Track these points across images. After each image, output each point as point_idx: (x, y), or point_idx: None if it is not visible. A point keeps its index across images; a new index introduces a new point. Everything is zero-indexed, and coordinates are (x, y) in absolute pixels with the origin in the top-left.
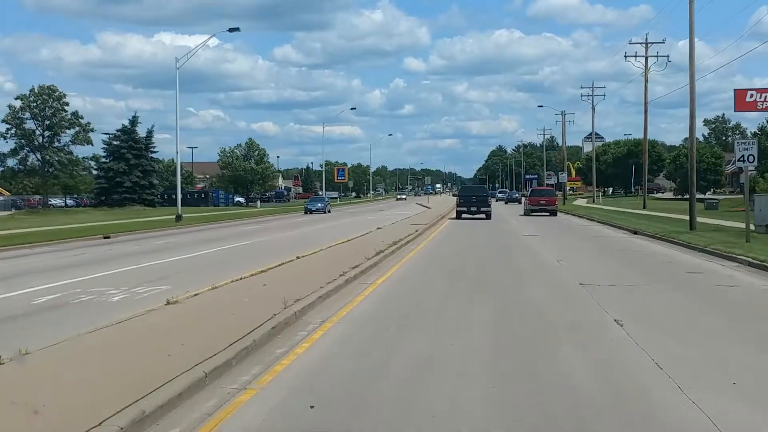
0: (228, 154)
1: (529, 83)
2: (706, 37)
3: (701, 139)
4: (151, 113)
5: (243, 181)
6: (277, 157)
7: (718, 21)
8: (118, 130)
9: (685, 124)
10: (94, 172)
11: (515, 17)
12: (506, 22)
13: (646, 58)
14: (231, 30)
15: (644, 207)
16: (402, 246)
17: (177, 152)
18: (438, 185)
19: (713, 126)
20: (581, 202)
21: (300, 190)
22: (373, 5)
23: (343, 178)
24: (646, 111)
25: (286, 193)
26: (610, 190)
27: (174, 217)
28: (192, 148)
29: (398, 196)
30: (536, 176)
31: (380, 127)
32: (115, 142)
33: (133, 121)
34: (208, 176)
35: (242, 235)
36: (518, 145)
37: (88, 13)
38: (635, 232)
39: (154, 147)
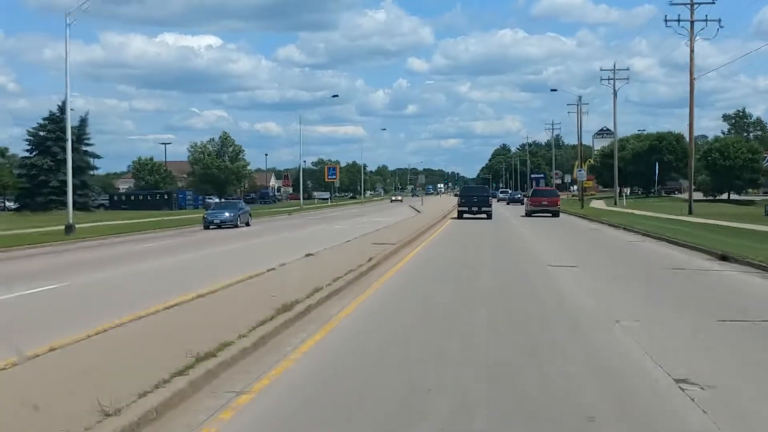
0: (199, 150)
1: (533, 83)
2: (706, 38)
3: (720, 135)
4: (155, 114)
5: (215, 180)
6: (265, 154)
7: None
8: (44, 119)
9: (696, 124)
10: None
11: (519, 17)
12: (510, 22)
13: (692, 23)
14: None
15: (690, 212)
16: (303, 312)
17: (68, 138)
18: (440, 185)
19: (733, 121)
20: (598, 204)
21: (290, 190)
22: (376, 5)
23: (333, 177)
24: (692, 88)
25: (271, 193)
26: (628, 190)
27: (77, 227)
28: (165, 144)
29: (393, 198)
30: (542, 175)
31: (383, 127)
32: (41, 133)
33: (63, 108)
34: (185, 175)
35: (103, 263)
36: (523, 143)
37: (90, 12)
38: (724, 258)
39: (89, 139)
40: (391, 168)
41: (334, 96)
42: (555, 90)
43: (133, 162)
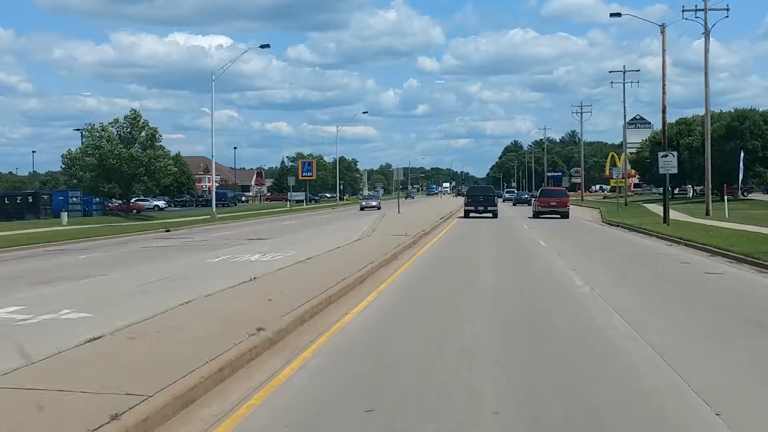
0: (96, 134)
1: (543, 83)
2: (719, 38)
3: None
4: (164, 113)
5: (116, 176)
6: (234, 148)
7: (729, 21)
8: None
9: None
10: None
11: (529, 17)
12: (521, 22)
13: None
14: None
15: None
16: None
17: None
18: (445, 184)
19: None
20: (677, 214)
21: (265, 190)
22: (387, 5)
23: (309, 173)
24: None
25: (231, 194)
26: (690, 190)
27: None
28: (80, 129)
29: (364, 203)
30: (561, 173)
31: (394, 127)
32: None
33: None
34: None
35: None
36: (539, 139)
37: (101, 12)
38: None
39: None
40: (394, 167)
41: (263, 46)
42: (618, 15)
43: (62, 156)
